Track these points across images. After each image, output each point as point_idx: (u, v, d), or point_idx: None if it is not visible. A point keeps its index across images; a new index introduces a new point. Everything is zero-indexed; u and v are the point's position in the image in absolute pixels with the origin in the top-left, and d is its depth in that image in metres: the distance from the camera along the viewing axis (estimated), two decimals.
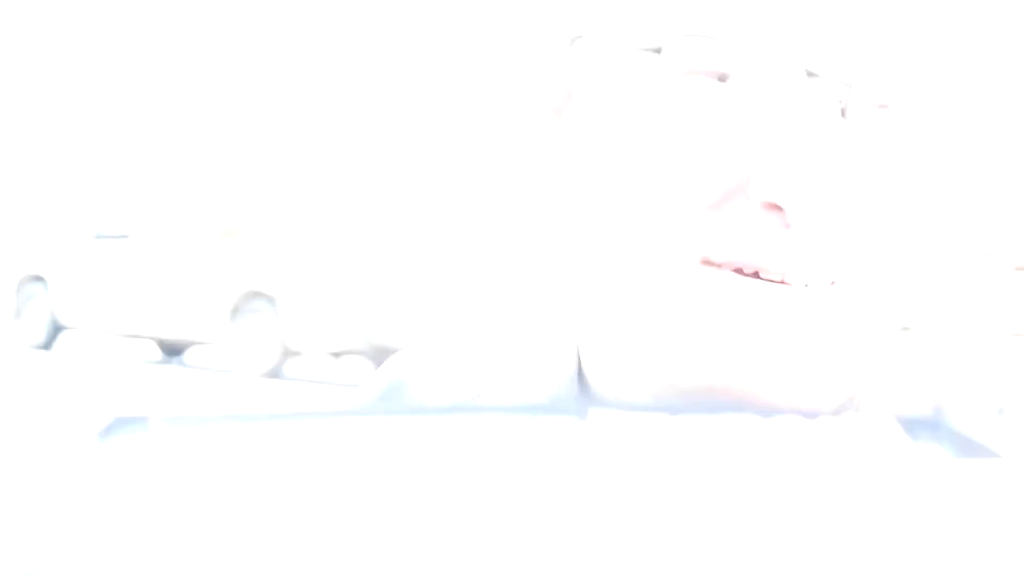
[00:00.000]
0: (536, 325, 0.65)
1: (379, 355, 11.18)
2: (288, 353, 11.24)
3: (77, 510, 0.21)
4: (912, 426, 0.26)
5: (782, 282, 0.47)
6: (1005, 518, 0.22)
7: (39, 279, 12.95)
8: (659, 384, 0.52)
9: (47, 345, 12.84)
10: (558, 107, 0.55)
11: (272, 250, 11.36)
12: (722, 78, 0.46)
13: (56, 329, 12.75)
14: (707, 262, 0.48)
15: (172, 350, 12.93)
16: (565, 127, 0.55)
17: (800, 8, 0.46)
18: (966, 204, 0.56)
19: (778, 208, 0.46)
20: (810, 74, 0.46)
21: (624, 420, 0.26)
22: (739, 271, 0.48)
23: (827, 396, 0.50)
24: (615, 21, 0.50)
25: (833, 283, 0.49)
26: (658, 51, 0.47)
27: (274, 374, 11.37)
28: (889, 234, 0.49)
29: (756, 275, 0.47)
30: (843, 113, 0.46)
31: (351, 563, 0.21)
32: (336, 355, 11.47)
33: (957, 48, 0.49)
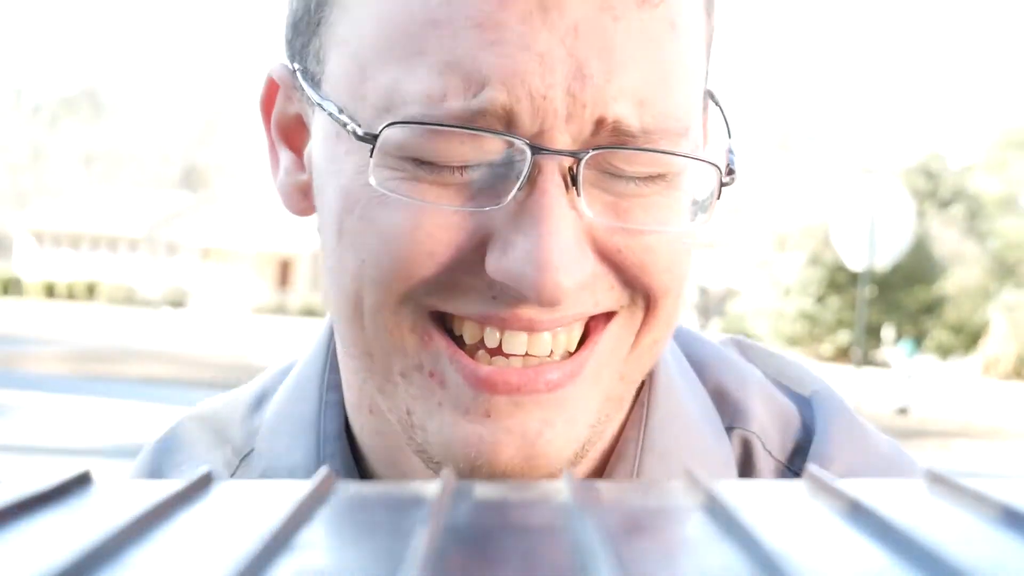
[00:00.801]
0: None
1: None
2: None
3: None
4: None
5: (527, 353, 0.47)
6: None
7: None
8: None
9: None
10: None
11: None
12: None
13: None
14: (438, 311, 0.47)
15: None
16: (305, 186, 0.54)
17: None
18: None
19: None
20: (537, 149, 0.44)
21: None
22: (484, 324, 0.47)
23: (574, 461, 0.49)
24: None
25: (574, 352, 0.48)
26: (375, 137, 0.45)
27: None
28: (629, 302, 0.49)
29: (500, 347, 0.47)
30: (574, 182, 0.45)
31: None
32: None
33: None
